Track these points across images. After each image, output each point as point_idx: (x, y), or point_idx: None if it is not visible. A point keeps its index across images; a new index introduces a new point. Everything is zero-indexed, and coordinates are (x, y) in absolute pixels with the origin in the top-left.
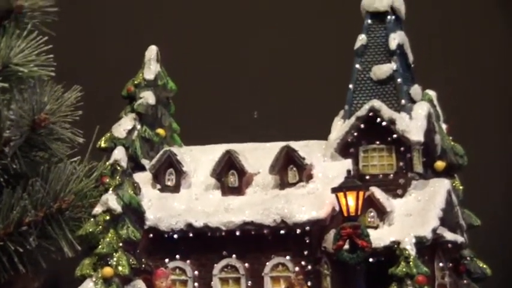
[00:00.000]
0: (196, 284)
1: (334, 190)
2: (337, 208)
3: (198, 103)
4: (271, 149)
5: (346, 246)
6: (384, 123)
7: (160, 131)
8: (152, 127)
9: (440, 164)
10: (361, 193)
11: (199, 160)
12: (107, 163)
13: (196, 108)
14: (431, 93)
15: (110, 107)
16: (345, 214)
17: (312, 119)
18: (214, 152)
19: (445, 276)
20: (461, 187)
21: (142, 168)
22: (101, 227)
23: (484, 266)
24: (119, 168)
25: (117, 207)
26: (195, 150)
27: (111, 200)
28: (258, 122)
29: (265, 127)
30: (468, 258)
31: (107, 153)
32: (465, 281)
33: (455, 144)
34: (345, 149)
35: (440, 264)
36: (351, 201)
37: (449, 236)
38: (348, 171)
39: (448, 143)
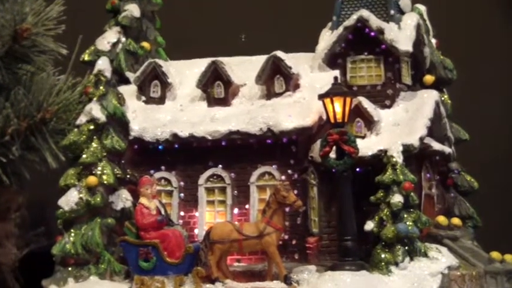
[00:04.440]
0: (181, 194)
1: (321, 96)
2: (324, 117)
3: (183, 18)
4: (258, 62)
5: (333, 155)
6: (372, 34)
7: (145, 44)
8: (137, 40)
9: (429, 78)
10: (348, 99)
11: (185, 73)
12: (91, 75)
13: (182, 24)
14: (422, 7)
15: (94, 21)
16: (332, 120)
17: (300, 32)
18: (200, 65)
19: (432, 187)
20: (449, 101)
21: (126, 81)
22: (84, 136)
23: (472, 180)
24: (102, 78)
25: (101, 116)
26: (180, 63)
27: (94, 110)
28: (246, 36)
29: (253, 41)
30: (456, 171)
31: (91, 67)
32: (452, 194)
33: (445, 58)
34: (333, 60)
35: (428, 175)
36: (337, 107)
37: (436, 146)
38: (335, 78)
39: (438, 57)
